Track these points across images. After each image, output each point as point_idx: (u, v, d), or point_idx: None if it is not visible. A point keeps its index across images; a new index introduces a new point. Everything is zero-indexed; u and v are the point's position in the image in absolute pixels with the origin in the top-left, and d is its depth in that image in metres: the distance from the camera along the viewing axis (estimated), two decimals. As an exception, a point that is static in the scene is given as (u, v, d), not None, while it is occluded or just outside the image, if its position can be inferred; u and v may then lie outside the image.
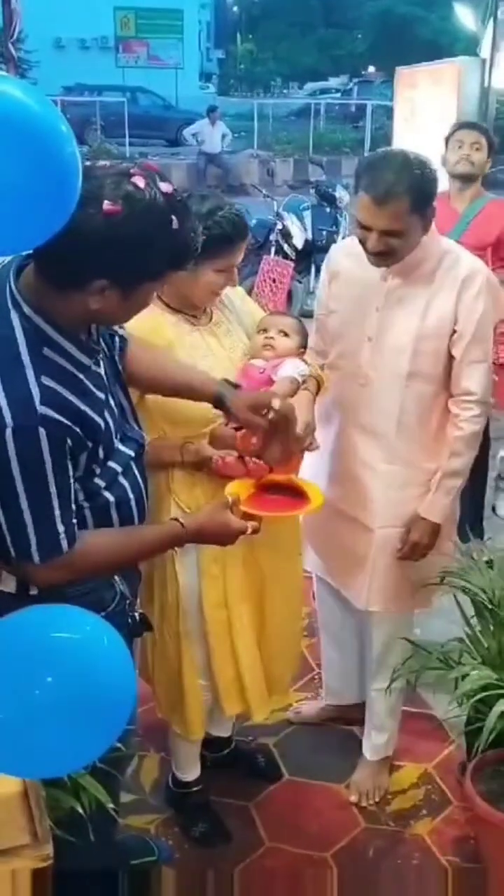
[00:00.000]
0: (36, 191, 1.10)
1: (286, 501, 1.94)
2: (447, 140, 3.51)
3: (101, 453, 1.58)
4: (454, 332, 2.21)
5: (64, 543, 1.50)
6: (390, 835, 2.45)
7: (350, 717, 2.82)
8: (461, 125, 3.63)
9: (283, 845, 2.39)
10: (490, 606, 2.25)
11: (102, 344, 1.64)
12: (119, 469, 1.64)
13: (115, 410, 1.64)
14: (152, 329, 1.98)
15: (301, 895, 2.23)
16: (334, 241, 8.32)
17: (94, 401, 1.54)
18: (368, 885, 2.28)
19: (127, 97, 19.24)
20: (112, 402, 1.63)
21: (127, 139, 17.57)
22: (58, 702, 1.14)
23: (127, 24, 26.57)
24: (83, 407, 1.50)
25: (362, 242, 2.13)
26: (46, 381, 1.44)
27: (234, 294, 2.22)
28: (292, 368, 2.10)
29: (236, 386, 1.94)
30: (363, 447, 2.33)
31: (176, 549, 1.95)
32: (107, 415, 1.58)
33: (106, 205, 1.35)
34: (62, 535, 1.49)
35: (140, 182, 1.40)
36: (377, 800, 2.56)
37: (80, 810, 1.48)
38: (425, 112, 5.60)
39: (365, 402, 2.30)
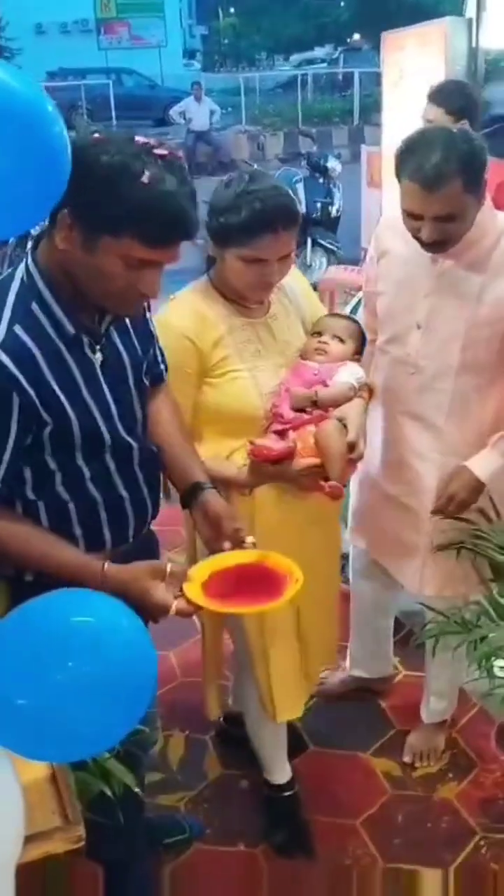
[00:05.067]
0: (24, 173, 1.09)
1: (252, 590, 1.58)
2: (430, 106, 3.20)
3: (76, 433, 1.53)
4: None
5: None
6: (418, 800, 2.47)
7: (374, 688, 2.83)
8: (444, 104, 3.15)
9: (312, 815, 2.40)
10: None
11: (121, 343, 1.63)
12: (112, 467, 1.63)
13: (111, 409, 1.60)
14: (201, 320, 1.91)
15: (334, 862, 2.25)
16: (329, 213, 8.28)
17: (67, 377, 1.51)
18: (400, 850, 2.30)
19: (111, 79, 19.11)
20: (107, 397, 1.59)
21: (114, 121, 17.45)
22: (80, 685, 1.14)
23: (107, 6, 26.32)
24: (49, 376, 1.47)
25: (414, 233, 1.97)
26: (18, 330, 1.43)
27: (297, 285, 2.10)
28: (349, 374, 2.00)
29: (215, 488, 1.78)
30: (415, 436, 2.22)
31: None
32: (87, 399, 1.54)
33: (93, 134, 1.36)
34: None
35: (136, 136, 1.40)
36: (431, 762, 2.58)
37: (109, 793, 1.48)
38: (413, 75, 5.53)
39: (415, 390, 2.17)
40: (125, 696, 1.17)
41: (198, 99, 15.63)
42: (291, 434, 1.92)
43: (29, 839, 1.15)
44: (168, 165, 1.38)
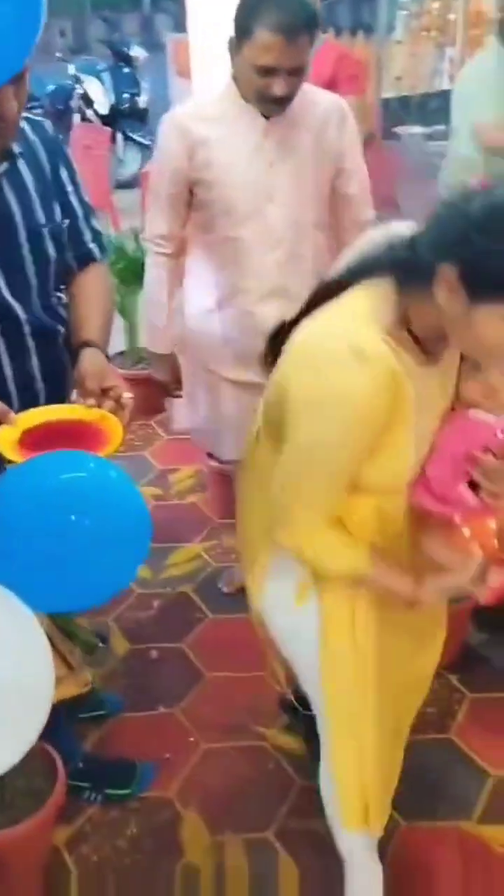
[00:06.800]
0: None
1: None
2: None
3: None
4: (342, 170, 2.19)
5: None
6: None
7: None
8: None
9: (224, 672, 2.55)
10: None
11: (14, 200, 1.56)
12: None
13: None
14: (395, 383, 1.23)
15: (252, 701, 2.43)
16: (137, 104, 8.06)
17: None
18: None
19: None
20: None
21: None
22: (84, 536, 1.18)
23: None
24: None
25: (262, 90, 1.99)
26: None
27: None
28: None
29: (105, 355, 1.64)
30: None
31: None
32: None
33: None
34: None
35: None
36: None
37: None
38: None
39: (276, 264, 2.18)
40: (126, 540, 1.22)
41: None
42: (465, 529, 1.44)
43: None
44: None
